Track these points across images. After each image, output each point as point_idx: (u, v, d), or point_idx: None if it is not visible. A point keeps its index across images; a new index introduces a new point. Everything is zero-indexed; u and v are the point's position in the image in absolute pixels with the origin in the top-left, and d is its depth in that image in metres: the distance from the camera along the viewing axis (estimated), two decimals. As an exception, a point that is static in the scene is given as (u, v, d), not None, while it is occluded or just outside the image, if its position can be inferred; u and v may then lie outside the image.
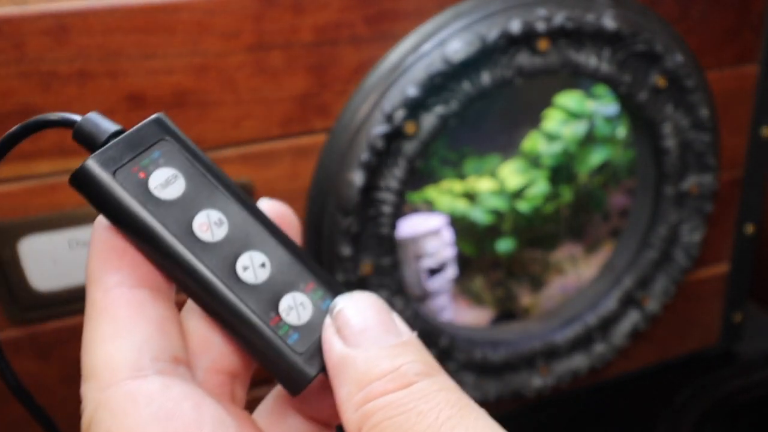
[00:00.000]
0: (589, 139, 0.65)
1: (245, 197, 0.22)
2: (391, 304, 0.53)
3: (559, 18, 0.49)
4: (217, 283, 0.20)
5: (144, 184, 0.20)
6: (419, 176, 0.62)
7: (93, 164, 0.20)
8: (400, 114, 0.47)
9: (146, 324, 0.20)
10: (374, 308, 0.21)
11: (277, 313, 0.21)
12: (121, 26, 0.41)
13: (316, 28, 0.45)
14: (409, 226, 0.62)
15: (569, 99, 0.63)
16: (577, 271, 0.68)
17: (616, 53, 0.52)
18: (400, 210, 0.50)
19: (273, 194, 0.49)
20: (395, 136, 0.48)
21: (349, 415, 0.19)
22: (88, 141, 0.21)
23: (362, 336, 0.20)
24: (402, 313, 0.53)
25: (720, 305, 0.69)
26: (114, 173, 0.20)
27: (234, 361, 0.22)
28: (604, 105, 0.64)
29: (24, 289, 0.46)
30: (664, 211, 0.59)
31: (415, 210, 0.63)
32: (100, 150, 0.20)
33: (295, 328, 0.21)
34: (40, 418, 0.24)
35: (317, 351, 0.21)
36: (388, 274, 0.52)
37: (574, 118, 0.64)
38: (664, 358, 0.69)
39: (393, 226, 0.50)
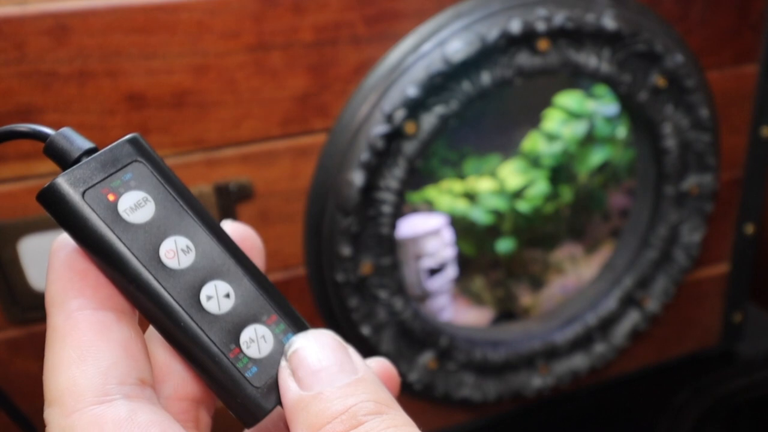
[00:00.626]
0: (589, 139, 0.65)
1: (215, 224, 0.22)
2: (391, 305, 0.53)
3: (559, 18, 0.49)
4: (179, 312, 0.20)
5: (113, 206, 0.20)
6: (419, 176, 0.62)
7: (62, 183, 0.19)
8: (400, 114, 0.47)
9: (112, 347, 0.19)
10: (329, 347, 0.21)
11: (238, 345, 0.21)
12: (121, 26, 0.41)
13: (316, 28, 0.45)
14: (409, 226, 0.62)
15: (569, 99, 0.63)
16: (577, 271, 0.68)
17: (616, 53, 0.52)
18: (400, 210, 0.50)
19: (273, 194, 0.49)
20: (395, 136, 0.48)
21: None
22: (59, 157, 0.20)
23: (316, 377, 0.20)
24: (402, 313, 0.53)
25: (720, 305, 0.69)
26: (83, 193, 0.19)
27: (196, 388, 0.22)
28: (604, 105, 0.64)
29: (24, 289, 0.46)
30: (664, 211, 0.59)
31: (415, 210, 0.63)
32: (71, 168, 0.20)
33: (254, 361, 0.21)
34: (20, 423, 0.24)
35: (275, 385, 0.21)
36: (388, 274, 0.52)
37: (574, 118, 0.64)
38: (664, 358, 0.69)
39: (393, 226, 0.50)
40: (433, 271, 0.64)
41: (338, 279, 0.50)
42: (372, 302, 0.52)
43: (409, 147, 0.49)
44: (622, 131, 0.64)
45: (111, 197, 0.20)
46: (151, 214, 0.20)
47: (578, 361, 0.62)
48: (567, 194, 0.66)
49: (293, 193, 0.49)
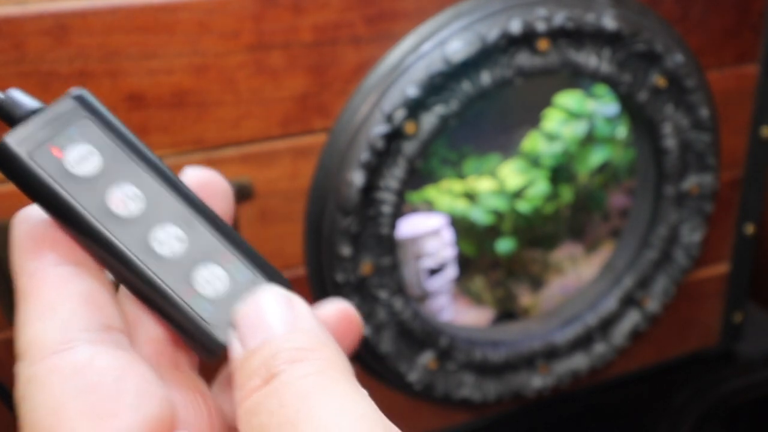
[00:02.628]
0: (589, 139, 0.65)
1: (166, 172, 0.22)
2: (391, 305, 0.53)
3: (559, 18, 0.49)
4: (131, 257, 0.20)
5: (59, 161, 0.20)
6: (419, 176, 0.62)
7: (9, 142, 0.20)
8: (400, 114, 0.47)
9: (72, 298, 0.20)
10: (269, 303, 0.20)
11: (192, 286, 0.21)
12: (121, 26, 0.41)
13: (316, 28, 0.45)
14: (409, 226, 0.62)
15: (569, 99, 0.63)
16: (577, 271, 0.68)
17: (616, 53, 0.52)
18: (400, 210, 0.50)
19: (273, 194, 0.49)
20: (395, 136, 0.48)
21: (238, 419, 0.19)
22: (6, 119, 0.21)
23: (251, 334, 0.20)
24: (402, 313, 0.53)
25: (720, 305, 0.69)
26: (30, 152, 0.20)
27: (167, 332, 0.22)
28: (604, 105, 0.64)
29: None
30: (664, 211, 0.59)
31: (415, 210, 0.63)
32: (15, 128, 0.20)
33: (209, 301, 0.21)
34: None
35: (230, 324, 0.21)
36: (388, 274, 0.52)
37: (574, 118, 0.64)
38: (664, 358, 0.69)
39: (393, 226, 0.50)
40: (433, 271, 0.64)
41: (338, 279, 0.50)
42: (372, 302, 0.52)
43: (409, 147, 0.49)
44: (622, 131, 0.64)
45: (57, 153, 0.20)
46: (98, 166, 0.21)
47: (578, 361, 0.62)
48: (567, 194, 0.66)
49: (293, 193, 0.49)
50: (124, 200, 0.21)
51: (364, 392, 0.18)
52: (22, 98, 0.21)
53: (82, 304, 0.20)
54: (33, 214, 0.21)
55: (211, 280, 0.21)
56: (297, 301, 0.21)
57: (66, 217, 0.20)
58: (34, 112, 0.21)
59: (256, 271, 0.22)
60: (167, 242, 0.21)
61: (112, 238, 0.20)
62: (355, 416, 0.17)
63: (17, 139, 0.20)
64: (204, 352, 0.21)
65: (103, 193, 0.21)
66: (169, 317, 0.21)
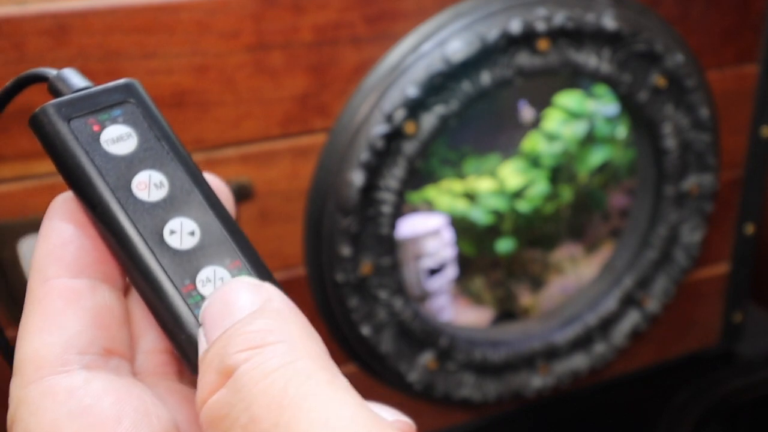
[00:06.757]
0: (589, 139, 0.65)
1: (195, 170, 0.22)
2: (391, 305, 0.53)
3: (559, 18, 0.49)
4: (137, 239, 0.20)
5: (96, 135, 0.20)
6: (419, 176, 0.62)
7: (51, 108, 0.20)
8: (400, 114, 0.47)
9: (79, 315, 0.19)
10: (235, 290, 0.19)
11: (193, 282, 0.20)
12: (121, 26, 0.41)
13: (316, 28, 0.45)
14: (409, 226, 0.62)
15: (569, 99, 0.63)
16: (577, 271, 0.68)
17: (616, 53, 0.52)
18: (400, 210, 0.50)
19: (273, 194, 0.49)
20: (395, 136, 0.48)
21: None
22: (58, 93, 0.21)
23: (212, 325, 0.18)
24: (402, 313, 0.53)
25: (720, 305, 0.69)
26: (69, 120, 0.20)
27: None
28: (604, 105, 0.64)
29: (24, 290, 0.46)
30: (664, 211, 0.59)
31: (415, 210, 0.63)
32: (63, 98, 0.20)
33: None
34: None
35: None
36: (388, 274, 0.52)
37: (574, 118, 0.64)
38: (664, 358, 0.69)
39: (393, 226, 0.50)
40: (433, 271, 0.64)
41: (338, 279, 0.50)
42: (372, 302, 0.52)
43: (409, 147, 0.49)
44: (622, 131, 0.64)
45: (96, 128, 0.20)
46: (132, 149, 0.21)
47: (578, 361, 0.62)
48: (567, 194, 0.66)
49: (293, 193, 0.49)
50: (149, 185, 0.21)
51: (344, 382, 0.17)
52: (73, 78, 0.21)
53: (88, 323, 0.19)
54: (62, 211, 0.20)
55: (213, 280, 0.20)
56: (267, 288, 0.19)
57: (84, 186, 0.20)
58: (83, 89, 0.21)
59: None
60: (179, 234, 0.20)
61: (124, 216, 0.20)
62: (344, 425, 0.15)
63: (59, 106, 0.20)
64: (189, 355, 0.19)
65: (129, 173, 0.20)
66: (159, 308, 0.20)
